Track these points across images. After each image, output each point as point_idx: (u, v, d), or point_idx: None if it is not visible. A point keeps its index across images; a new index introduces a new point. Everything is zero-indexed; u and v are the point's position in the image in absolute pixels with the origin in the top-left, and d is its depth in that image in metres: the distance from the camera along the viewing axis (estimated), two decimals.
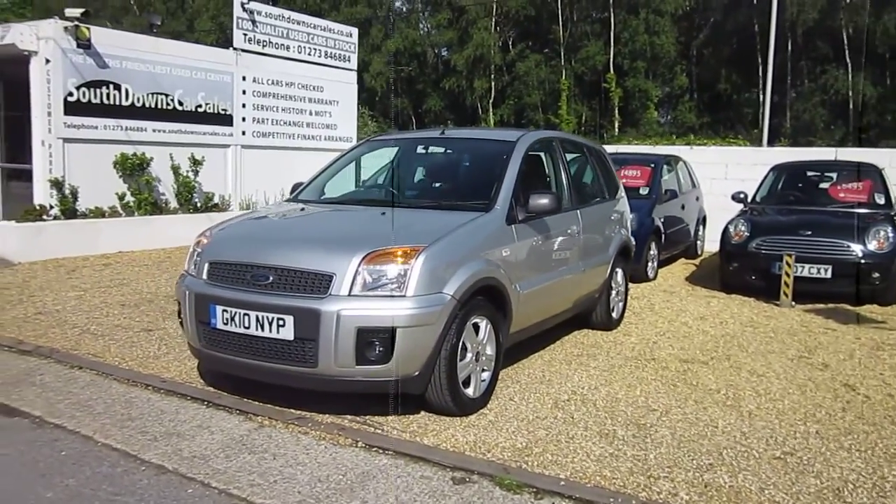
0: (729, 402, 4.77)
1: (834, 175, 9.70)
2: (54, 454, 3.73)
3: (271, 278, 4.08)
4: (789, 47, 35.28)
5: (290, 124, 14.29)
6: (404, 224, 4.39)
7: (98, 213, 10.66)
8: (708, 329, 6.91)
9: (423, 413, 4.35)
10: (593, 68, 41.04)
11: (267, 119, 13.78)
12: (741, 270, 8.61)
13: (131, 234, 10.77)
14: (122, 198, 11.14)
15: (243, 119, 13.31)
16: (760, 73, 36.74)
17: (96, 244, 10.26)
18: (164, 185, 11.85)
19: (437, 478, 3.52)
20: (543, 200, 4.87)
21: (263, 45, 13.61)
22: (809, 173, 10.09)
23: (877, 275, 7.98)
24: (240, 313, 4.08)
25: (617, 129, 39.59)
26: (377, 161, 6.01)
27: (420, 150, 5.99)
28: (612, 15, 38.66)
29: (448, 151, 5.89)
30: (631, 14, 38.18)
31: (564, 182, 5.81)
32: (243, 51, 13.24)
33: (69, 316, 6.61)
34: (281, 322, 3.96)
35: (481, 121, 45.09)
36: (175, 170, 11.83)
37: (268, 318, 3.99)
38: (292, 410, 4.30)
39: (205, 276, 4.38)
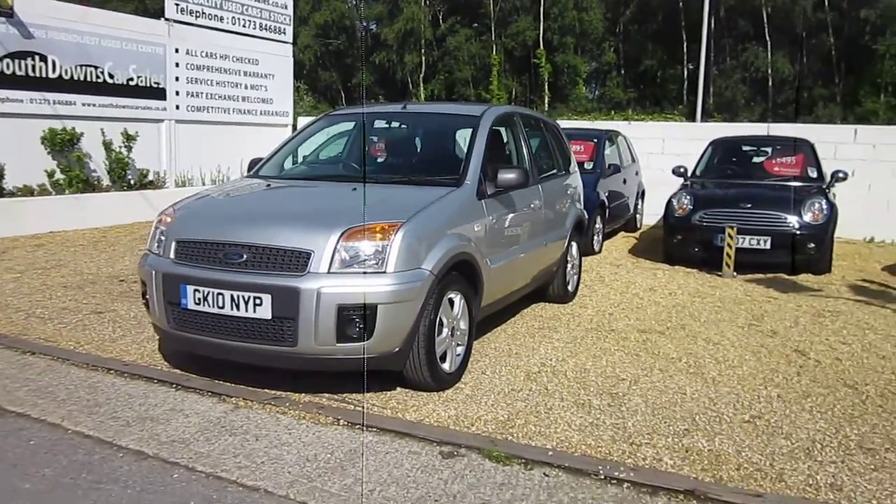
0: (692, 369, 4.93)
1: (769, 150, 10.07)
2: (22, 444, 3.56)
3: (245, 256, 3.98)
4: (712, 25, 36.24)
5: (225, 98, 13.88)
6: (378, 200, 4.34)
7: (26, 192, 10.16)
8: (658, 300, 7.11)
9: (399, 389, 4.34)
10: (523, 43, 41.29)
11: (201, 93, 13.35)
12: (684, 242, 8.86)
13: (62, 213, 10.30)
14: (51, 175, 10.63)
15: (177, 93, 12.86)
16: (685, 50, 37.75)
17: (25, 224, 9.77)
18: (95, 162, 11.37)
19: (425, 453, 3.53)
20: (511, 175, 4.89)
21: (196, 16, 13.13)
22: (746, 148, 10.44)
23: (812, 245, 8.35)
24: (213, 293, 3.97)
25: (547, 105, 40.04)
26: (336, 136, 5.91)
27: (382, 124, 5.91)
28: None
29: (412, 126, 5.83)
30: None
31: (526, 157, 5.85)
32: (176, 21, 12.75)
33: (10, 299, 6.30)
34: (258, 301, 3.87)
35: (412, 96, 44.85)
36: (107, 146, 11.36)
37: (244, 297, 3.89)
38: (266, 390, 4.23)
39: (172, 256, 4.23)
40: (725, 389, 4.53)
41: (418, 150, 5.68)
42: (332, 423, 3.85)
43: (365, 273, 3.87)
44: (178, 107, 12.89)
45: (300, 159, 5.91)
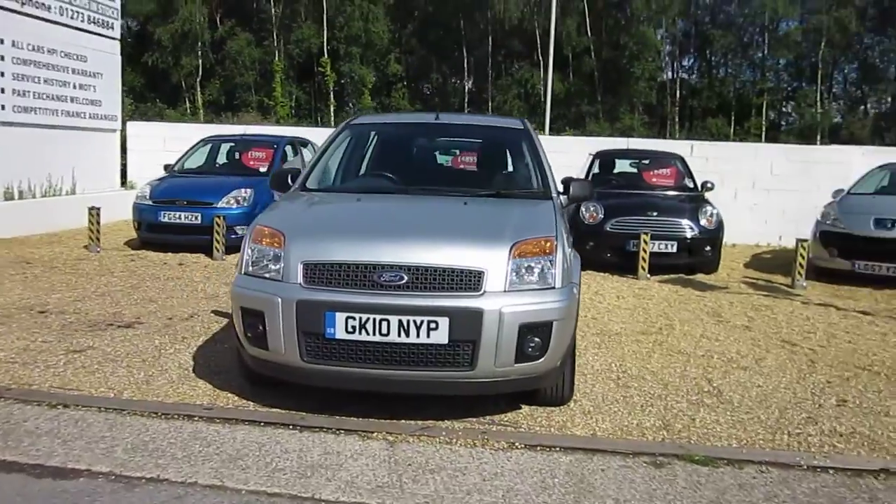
0: (733, 363, 5.35)
1: (647, 161, 11.10)
2: None
3: (406, 278, 3.65)
4: (490, 42, 38.65)
5: (54, 99, 12.17)
6: (498, 214, 4.22)
7: None
8: (616, 303, 7.55)
9: (525, 407, 4.24)
10: (307, 51, 40.80)
11: (29, 91, 11.58)
12: (597, 249, 9.45)
13: None
14: None
15: (2, 90, 11.03)
16: (465, 65, 39.76)
17: None
18: None
19: (634, 465, 3.52)
20: (581, 188, 4.98)
21: (22, 3, 11.37)
22: (624, 160, 11.40)
23: (708, 248, 9.38)
24: (374, 319, 3.58)
25: (333, 115, 39.92)
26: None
27: (422, 137, 5.65)
28: None
29: (458, 139, 5.66)
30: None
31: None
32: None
33: None
34: (433, 325, 3.57)
35: (186, 100, 42.29)
36: None
37: (415, 321, 3.57)
38: (404, 421, 3.91)
39: (299, 280, 3.74)
40: (784, 378, 5.01)
41: (479, 162, 5.53)
42: (511, 447, 3.67)
43: (537, 289, 3.75)
44: (3, 107, 11.06)
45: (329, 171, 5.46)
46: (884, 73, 40.94)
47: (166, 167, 11.20)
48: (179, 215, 9.72)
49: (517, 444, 3.71)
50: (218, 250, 9.47)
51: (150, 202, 9.94)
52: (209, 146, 11.67)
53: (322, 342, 3.66)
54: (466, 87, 40.00)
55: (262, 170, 10.72)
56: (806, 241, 8.92)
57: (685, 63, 42.47)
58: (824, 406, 4.47)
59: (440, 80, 41.67)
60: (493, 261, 3.70)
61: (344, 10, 39.06)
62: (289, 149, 11.59)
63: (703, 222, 9.36)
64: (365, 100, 40.70)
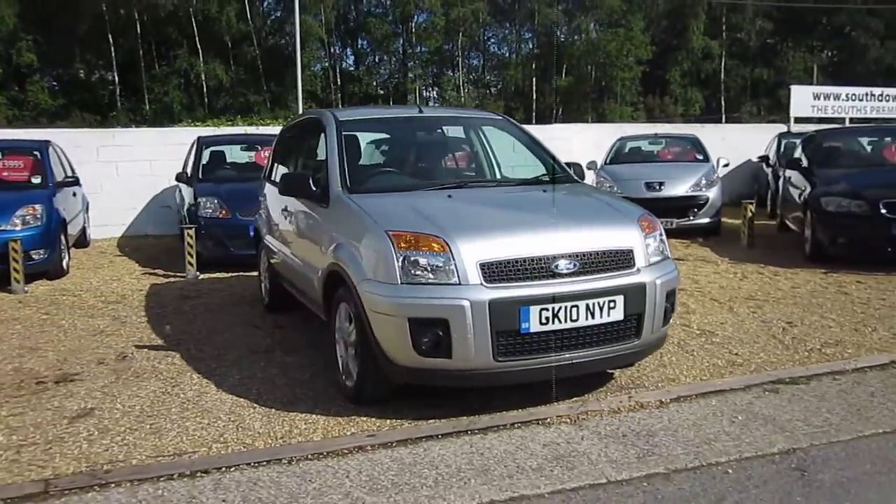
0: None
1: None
2: None
3: (577, 264, 3.81)
4: (138, 30, 35.58)
5: None
6: (587, 198, 4.56)
7: None
8: None
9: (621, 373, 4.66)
10: None
11: None
12: None
13: None
14: None
15: None
16: (113, 55, 36.19)
17: None
18: None
19: (757, 395, 4.20)
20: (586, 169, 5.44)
21: None
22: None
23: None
24: (565, 307, 3.69)
25: None
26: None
27: (425, 131, 5.44)
28: None
29: (459, 132, 5.59)
30: None
31: None
32: None
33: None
34: (612, 304, 3.80)
35: None
36: None
37: (598, 303, 3.77)
38: (548, 407, 4.06)
39: (479, 281, 3.65)
40: (728, 317, 6.13)
41: (491, 153, 5.56)
42: (662, 404, 4.09)
43: (661, 260, 4.19)
44: None
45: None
46: (504, 58, 47.14)
47: None
48: None
49: (665, 399, 4.14)
50: (18, 281, 7.86)
51: None
52: None
53: (517, 338, 3.66)
54: (116, 78, 36.38)
55: (36, 181, 9.10)
56: None
57: (338, 50, 43.97)
58: (786, 329, 5.61)
59: (85, 71, 37.26)
60: (634, 238, 4.05)
61: None
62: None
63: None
64: None
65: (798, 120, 16.98)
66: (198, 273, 8.48)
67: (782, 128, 16.90)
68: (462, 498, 3.08)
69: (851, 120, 17.06)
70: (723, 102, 44.33)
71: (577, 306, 3.73)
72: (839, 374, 4.52)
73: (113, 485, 3.25)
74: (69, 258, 9.10)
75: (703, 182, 10.80)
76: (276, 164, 6.68)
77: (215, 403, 4.30)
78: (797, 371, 4.58)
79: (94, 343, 5.76)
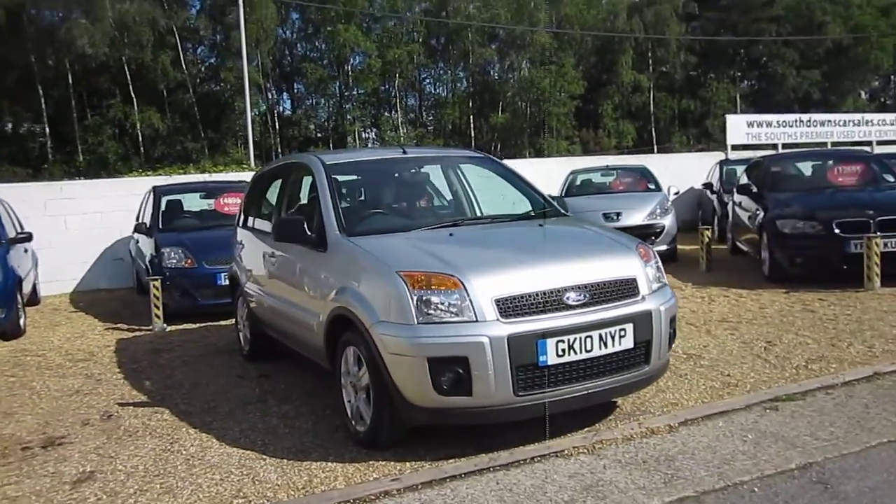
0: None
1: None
2: None
3: (586, 296, 3.89)
4: (70, 80, 34.72)
5: None
6: (582, 229, 4.68)
7: None
8: None
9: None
10: None
11: None
12: None
13: None
14: None
15: None
16: (43, 106, 35.23)
17: None
18: None
19: (761, 412, 4.32)
20: None
21: None
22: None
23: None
24: (580, 338, 3.75)
25: None
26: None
27: (409, 171, 5.45)
28: None
29: (443, 171, 5.62)
30: None
31: None
32: None
33: None
34: (622, 332, 3.88)
35: None
36: None
37: (610, 332, 3.84)
38: (563, 439, 4.10)
39: (496, 317, 3.69)
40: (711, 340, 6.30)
41: (470, 190, 5.61)
42: (672, 429, 4.18)
43: (662, 287, 4.30)
44: None
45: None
46: (440, 98, 47.71)
47: None
48: None
49: (674, 423, 4.22)
50: None
51: None
52: None
53: (535, 372, 3.70)
54: (47, 130, 35.31)
55: None
56: None
57: (275, 95, 43.83)
58: (767, 348, 5.80)
59: (13, 124, 36.09)
60: (636, 267, 4.15)
61: None
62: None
63: None
64: None
65: (735, 147, 17.69)
66: (165, 325, 8.27)
67: (721, 155, 17.57)
68: None
69: (784, 145, 17.86)
70: (653, 133, 45.78)
71: (590, 336, 3.80)
72: (830, 388, 4.69)
73: None
74: (25, 317, 8.76)
75: (658, 210, 11.11)
76: (251, 211, 6.62)
77: (222, 458, 4.19)
78: (791, 388, 4.73)
79: (73, 404, 5.55)
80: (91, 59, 32.95)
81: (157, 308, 8.25)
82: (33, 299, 10.48)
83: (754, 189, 10.02)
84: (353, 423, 4.21)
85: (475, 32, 41.88)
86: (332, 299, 4.29)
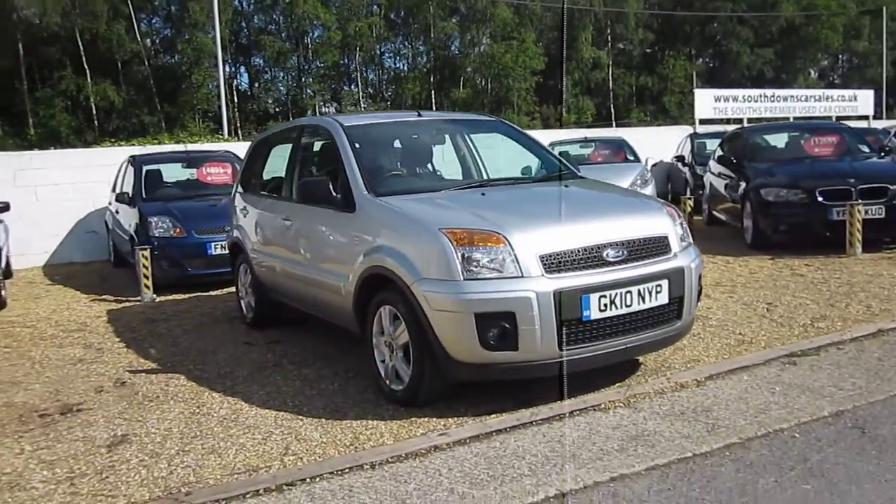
0: None
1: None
2: None
3: (624, 252, 3.96)
4: (20, 51, 33.49)
5: None
6: (607, 189, 4.74)
7: None
8: None
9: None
10: None
11: None
12: None
13: None
14: None
15: None
16: None
17: None
18: None
19: (780, 366, 4.47)
20: None
21: None
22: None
23: None
24: (620, 293, 3.82)
25: None
26: None
27: (429, 134, 5.41)
28: None
29: (463, 130, 5.61)
30: None
31: None
32: None
33: None
34: (658, 288, 3.97)
35: None
36: None
37: (647, 288, 3.92)
38: (597, 394, 4.19)
39: (541, 272, 3.73)
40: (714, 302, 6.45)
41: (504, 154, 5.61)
42: (699, 383, 4.30)
43: (689, 245, 4.40)
44: None
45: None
46: (400, 72, 47.40)
47: None
48: None
49: (700, 378, 4.34)
50: None
51: None
52: None
53: (579, 326, 3.76)
54: None
55: None
56: None
57: (233, 68, 42.88)
58: (770, 309, 5.98)
59: None
60: (668, 225, 4.24)
61: None
62: None
63: None
64: None
65: (702, 121, 18.01)
66: (154, 296, 8.11)
67: (687, 129, 17.86)
68: (566, 483, 3.13)
69: (749, 120, 18.25)
70: (612, 110, 46.30)
71: (630, 292, 3.87)
72: (840, 344, 4.86)
73: None
74: (5, 289, 8.51)
75: (639, 181, 11.29)
76: (252, 177, 6.52)
77: (257, 419, 4.17)
78: (804, 344, 4.89)
79: (80, 372, 5.44)
80: (41, 28, 31.75)
81: (147, 278, 8.09)
82: (6, 273, 10.15)
83: (734, 160, 10.24)
84: (388, 382, 4.22)
85: (436, 6, 41.58)
86: (363, 260, 4.28)
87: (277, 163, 6.12)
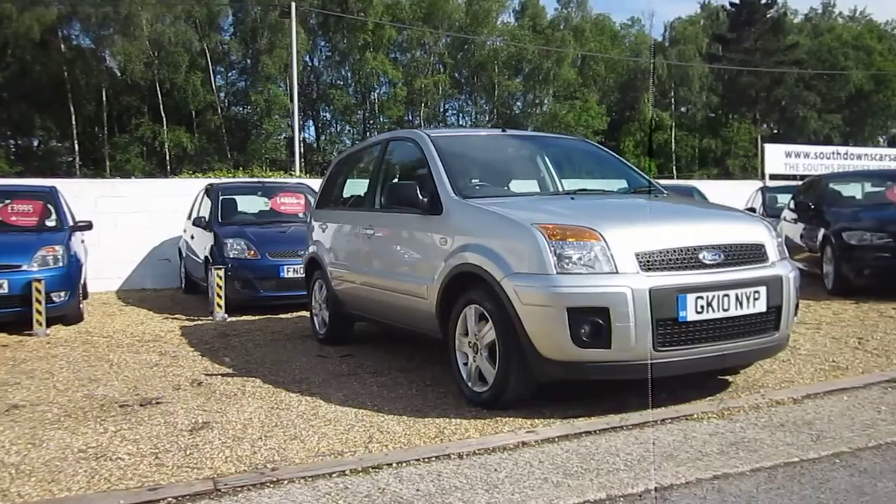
0: None
1: None
2: None
3: (721, 256, 3.84)
4: (104, 98, 35.29)
5: None
6: (696, 202, 4.61)
7: None
8: None
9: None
10: None
11: None
12: None
13: None
14: None
15: None
16: (73, 121, 35.71)
17: None
18: None
19: (881, 392, 4.23)
20: None
21: None
22: None
23: None
24: (718, 295, 3.70)
25: None
26: None
27: (514, 148, 5.49)
28: None
29: (548, 147, 5.66)
30: None
31: None
32: None
33: None
34: (756, 295, 3.83)
35: None
36: None
37: (745, 293, 3.79)
38: (688, 405, 4.03)
39: (636, 269, 3.64)
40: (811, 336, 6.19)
41: (582, 167, 5.62)
42: (796, 401, 4.09)
43: (785, 258, 4.25)
44: None
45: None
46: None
47: None
48: None
49: (797, 397, 4.13)
50: (40, 323, 7.49)
51: None
52: None
53: (675, 327, 3.63)
54: (76, 147, 35.76)
55: (50, 223, 8.83)
56: None
57: (301, 121, 44.25)
58: (861, 343, 5.71)
59: (44, 139, 36.58)
60: (765, 234, 4.11)
61: None
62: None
63: None
64: None
65: (772, 176, 17.69)
66: (226, 315, 8.21)
67: (756, 184, 17.55)
68: (666, 477, 2.98)
69: None
70: (674, 171, 45.94)
71: (727, 296, 3.74)
72: None
73: (286, 481, 3.05)
74: (84, 304, 8.74)
75: None
76: (333, 193, 6.62)
77: (337, 414, 4.12)
78: None
79: (157, 373, 5.49)
80: (125, 77, 33.43)
81: (220, 297, 8.21)
82: (84, 293, 10.46)
83: (811, 207, 9.97)
84: (470, 384, 4.14)
85: (501, 65, 42.38)
86: (450, 259, 4.25)
87: (358, 183, 6.21)
